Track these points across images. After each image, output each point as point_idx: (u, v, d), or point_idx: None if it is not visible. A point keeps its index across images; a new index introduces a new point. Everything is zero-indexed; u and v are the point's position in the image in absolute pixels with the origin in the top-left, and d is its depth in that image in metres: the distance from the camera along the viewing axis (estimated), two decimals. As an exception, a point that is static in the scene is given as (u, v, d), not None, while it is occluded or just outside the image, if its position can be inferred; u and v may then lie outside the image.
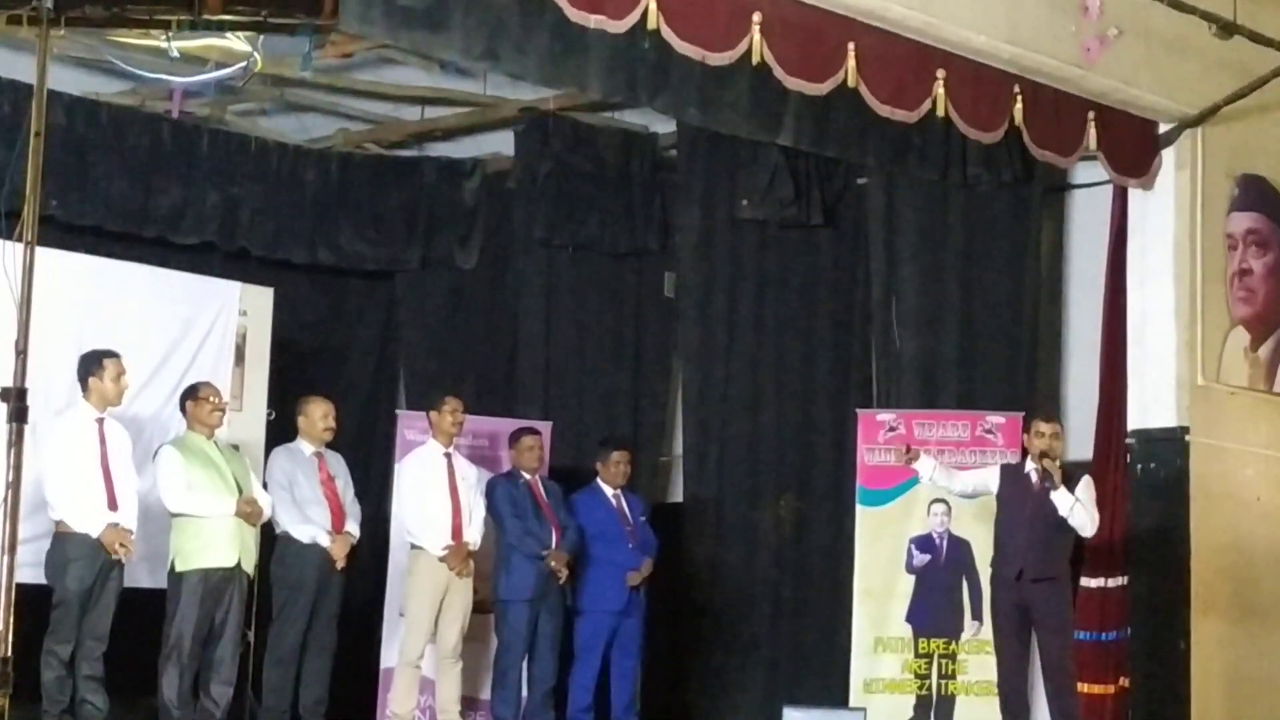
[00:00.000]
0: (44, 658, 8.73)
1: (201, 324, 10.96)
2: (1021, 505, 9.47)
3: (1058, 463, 9.42)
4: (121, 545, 8.88)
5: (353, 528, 9.77)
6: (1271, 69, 10.32)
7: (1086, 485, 9.49)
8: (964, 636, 10.55)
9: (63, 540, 8.85)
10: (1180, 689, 10.30)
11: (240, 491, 9.26)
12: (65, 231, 10.76)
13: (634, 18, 8.08)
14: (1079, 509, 9.32)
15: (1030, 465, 9.53)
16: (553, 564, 10.21)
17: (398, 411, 11.99)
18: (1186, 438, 10.53)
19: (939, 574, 10.63)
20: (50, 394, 9.11)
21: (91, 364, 9.10)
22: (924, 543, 10.71)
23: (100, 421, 9.08)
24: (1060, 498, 9.30)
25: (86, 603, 8.85)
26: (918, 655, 10.66)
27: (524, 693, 10.42)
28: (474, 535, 10.09)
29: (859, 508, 10.90)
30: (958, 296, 11.55)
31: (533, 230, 12.66)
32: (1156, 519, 10.58)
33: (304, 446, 9.85)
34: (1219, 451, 10.68)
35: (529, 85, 11.30)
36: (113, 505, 8.95)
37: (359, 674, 10.84)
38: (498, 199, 13.17)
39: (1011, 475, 9.66)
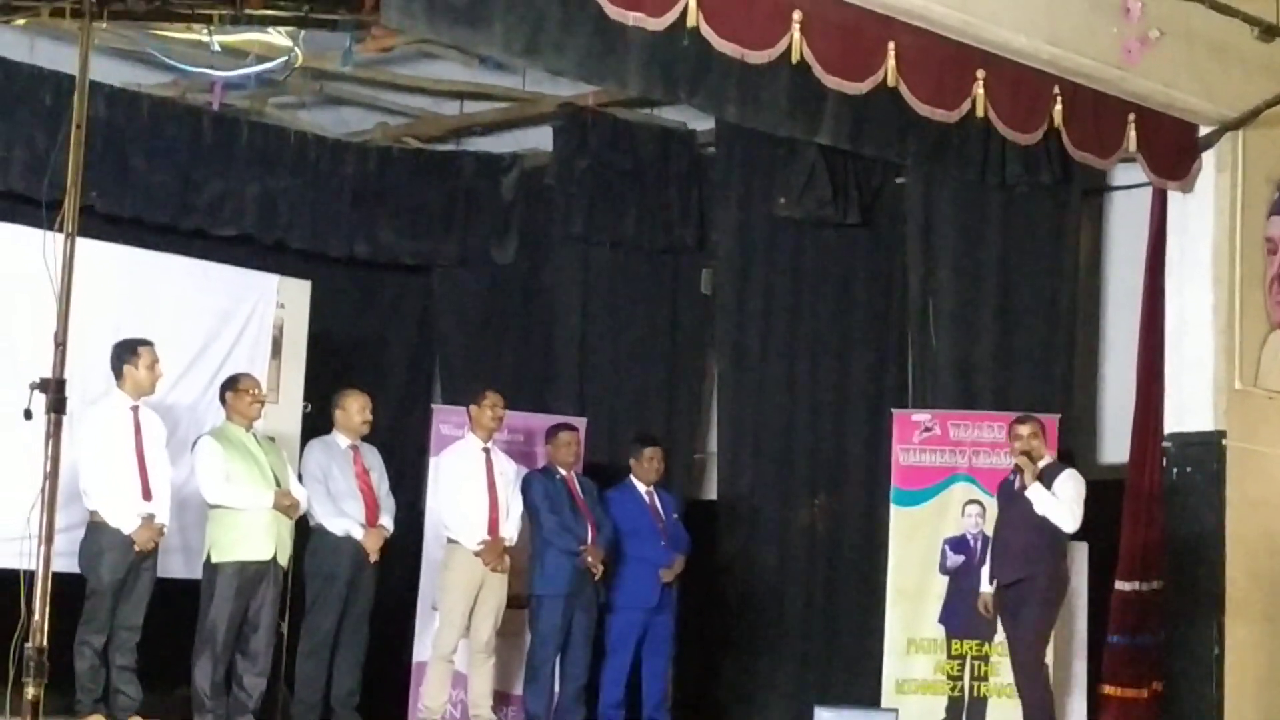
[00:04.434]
0: (77, 647, 8.77)
1: (239, 316, 11.01)
2: (1007, 510, 9.56)
3: (1039, 462, 9.46)
4: (153, 541, 8.93)
5: (387, 521, 9.79)
6: (1314, 73, 10.30)
7: (1065, 481, 9.48)
8: (997, 638, 10.51)
9: (97, 530, 8.89)
10: (1214, 693, 10.27)
11: (278, 484, 9.29)
12: (105, 222, 10.79)
13: (673, 15, 8.07)
14: (1052, 504, 9.35)
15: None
16: (588, 559, 10.22)
17: (433, 406, 12.00)
18: (1223, 442, 10.48)
19: (973, 575, 10.58)
20: (88, 385, 9.15)
21: (125, 352, 9.14)
22: (958, 544, 10.69)
23: (135, 410, 9.13)
24: (1033, 494, 9.32)
25: (120, 593, 8.90)
26: (950, 656, 10.64)
27: (556, 688, 10.43)
28: (511, 531, 10.11)
29: (893, 508, 10.89)
30: (995, 297, 11.53)
31: (570, 226, 12.66)
32: (1192, 523, 10.54)
33: (339, 439, 9.88)
34: (1256, 456, 10.63)
35: (568, 81, 11.29)
36: (147, 495, 9.00)
37: (391, 667, 10.87)
38: (535, 195, 13.17)
39: (1004, 482, 9.76)
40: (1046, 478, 9.45)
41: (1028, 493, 9.39)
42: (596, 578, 10.29)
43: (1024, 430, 9.59)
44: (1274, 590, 10.64)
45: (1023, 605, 9.43)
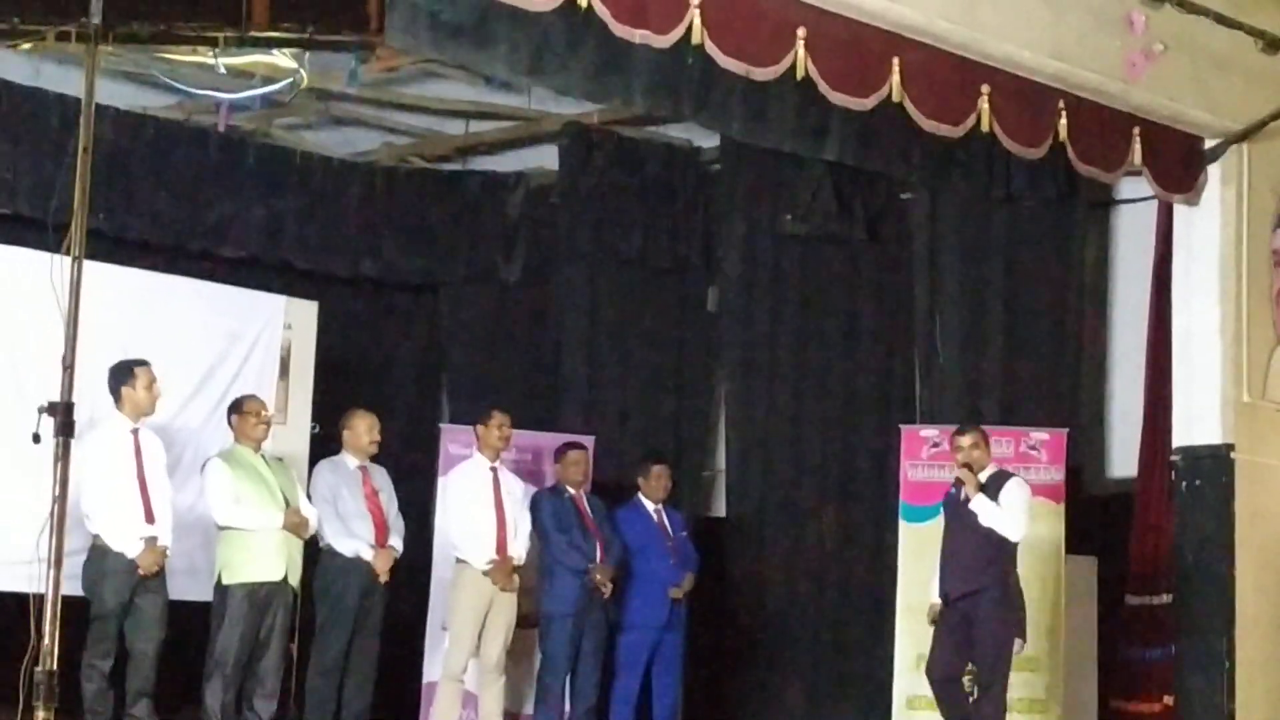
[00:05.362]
0: (84, 671, 8.72)
1: (246, 337, 11.02)
2: (953, 523, 9.42)
3: (982, 473, 9.30)
4: (156, 565, 8.93)
5: (396, 541, 9.78)
6: (1319, 85, 10.30)
7: (1011, 489, 9.30)
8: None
9: (99, 554, 8.85)
10: (1225, 706, 10.24)
11: (287, 505, 9.29)
12: (112, 245, 10.80)
13: (678, 33, 8.08)
14: (996, 514, 9.14)
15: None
16: (596, 578, 10.20)
17: (441, 425, 12.00)
18: (1232, 455, 10.46)
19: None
20: (96, 408, 9.12)
21: (123, 374, 9.10)
22: (967, 559, 10.65)
23: (135, 432, 9.09)
24: (977, 505, 9.19)
25: (125, 616, 8.87)
26: (961, 672, 10.61)
27: (566, 708, 10.42)
28: (519, 550, 10.10)
29: (902, 523, 10.88)
30: (1001, 312, 11.54)
31: (576, 244, 12.69)
32: (1201, 536, 10.52)
33: (348, 460, 9.87)
34: (1264, 469, 10.62)
35: (573, 100, 11.31)
36: (149, 518, 8.96)
37: (402, 688, 10.86)
38: (541, 213, 13.19)
39: (948, 496, 9.58)
40: (991, 488, 9.26)
41: (972, 505, 9.20)
42: (605, 596, 10.28)
43: (965, 441, 9.39)
44: (1285, 603, 10.64)
45: (977, 622, 9.23)
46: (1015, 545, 9.33)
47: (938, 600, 9.49)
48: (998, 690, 9.26)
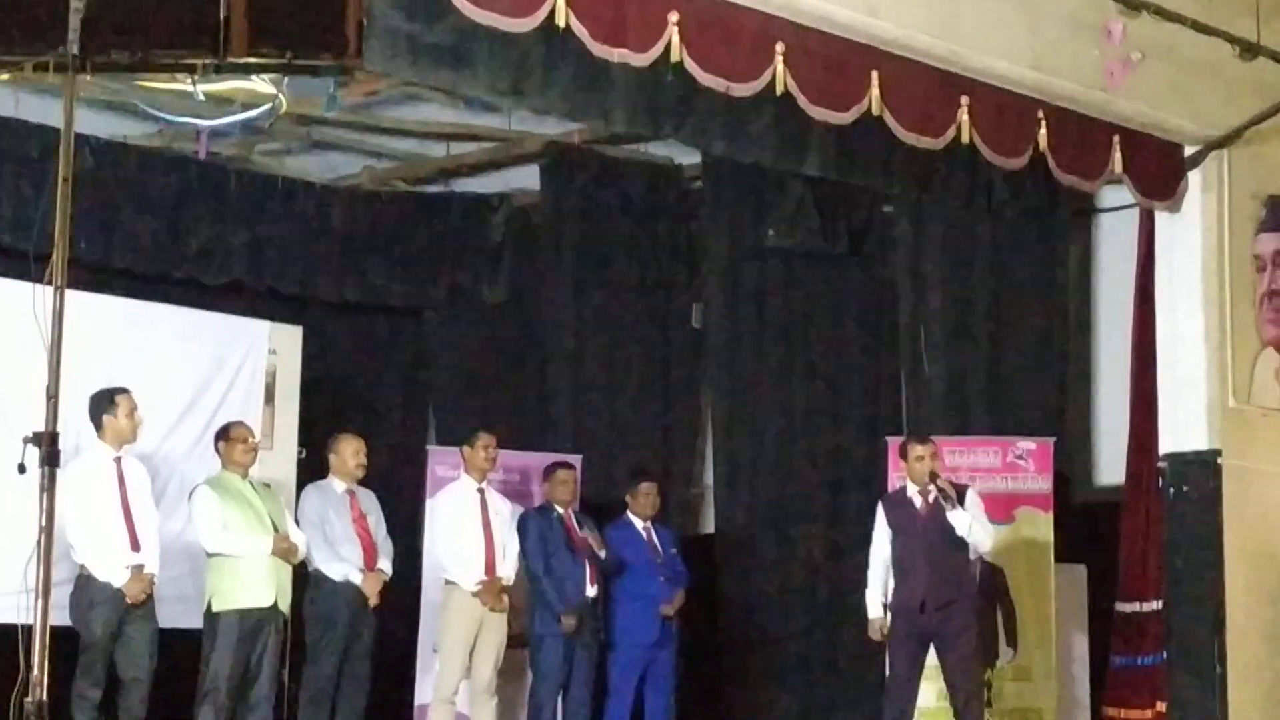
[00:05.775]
0: (75, 701, 8.71)
1: (231, 364, 11.01)
2: (913, 532, 9.37)
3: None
4: (144, 593, 8.90)
5: (385, 565, 9.77)
6: (1295, 89, 10.32)
7: (975, 500, 9.36)
8: (999, 664, 10.51)
9: (86, 583, 8.84)
10: (1218, 712, 10.25)
11: (276, 530, 9.28)
12: (94, 273, 10.77)
13: (657, 50, 8.07)
14: (976, 526, 9.18)
15: (913, 489, 9.42)
16: (569, 624, 10.15)
17: (428, 447, 12.00)
18: (1219, 460, 10.47)
19: (973, 602, 10.58)
20: (81, 438, 9.12)
21: (103, 402, 9.07)
22: (956, 570, 10.65)
23: (118, 460, 9.08)
24: (958, 517, 9.17)
25: (114, 644, 8.85)
26: (952, 683, 10.61)
27: (559, 727, 10.41)
28: (508, 570, 10.10)
29: (892, 535, 10.86)
30: (986, 322, 11.56)
31: (560, 264, 12.70)
32: (1190, 542, 10.53)
33: (335, 484, 9.86)
34: (1251, 474, 10.63)
35: (554, 120, 11.32)
36: (135, 546, 8.94)
37: (394, 710, 10.85)
38: (525, 233, 13.19)
39: (896, 504, 9.56)
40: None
41: (952, 516, 9.21)
42: (601, 556, 10.26)
43: (926, 451, 9.36)
44: (1274, 607, 10.63)
45: (956, 630, 9.24)
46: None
47: (880, 615, 9.47)
48: (978, 692, 9.29)
